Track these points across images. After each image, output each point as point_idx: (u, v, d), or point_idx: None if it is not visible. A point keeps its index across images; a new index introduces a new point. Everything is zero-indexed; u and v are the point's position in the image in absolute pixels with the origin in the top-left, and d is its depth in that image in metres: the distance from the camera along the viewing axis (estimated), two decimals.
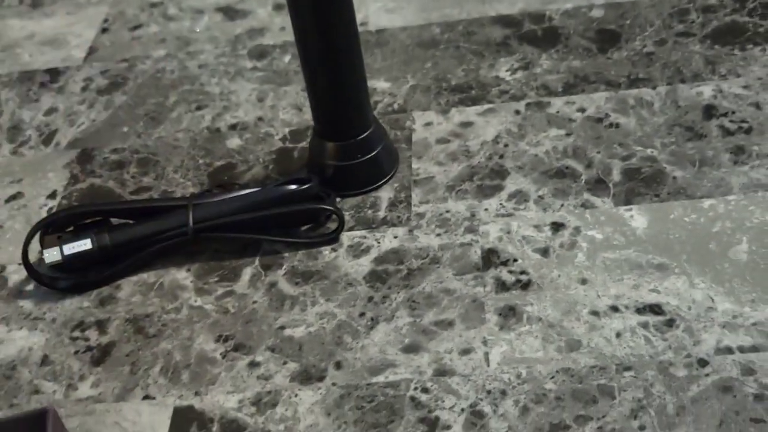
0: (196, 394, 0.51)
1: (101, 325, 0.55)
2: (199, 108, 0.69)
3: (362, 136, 0.59)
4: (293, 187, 0.58)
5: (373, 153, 0.59)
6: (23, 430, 0.46)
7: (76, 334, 0.55)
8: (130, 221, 0.58)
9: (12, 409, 0.52)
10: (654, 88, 0.63)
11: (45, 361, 0.54)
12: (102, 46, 0.77)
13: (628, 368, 0.48)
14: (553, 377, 0.48)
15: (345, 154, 0.59)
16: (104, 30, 0.79)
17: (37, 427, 0.45)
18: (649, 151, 0.59)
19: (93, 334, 0.55)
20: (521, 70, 0.66)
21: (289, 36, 0.74)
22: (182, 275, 0.57)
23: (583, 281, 0.52)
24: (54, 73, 0.76)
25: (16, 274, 0.60)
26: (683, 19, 0.68)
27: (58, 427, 0.46)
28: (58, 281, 0.58)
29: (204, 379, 0.51)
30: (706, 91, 0.62)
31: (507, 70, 0.66)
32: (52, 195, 0.65)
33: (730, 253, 0.52)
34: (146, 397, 0.51)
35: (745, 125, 0.59)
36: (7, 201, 0.65)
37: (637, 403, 0.46)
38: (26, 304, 0.58)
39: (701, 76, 0.63)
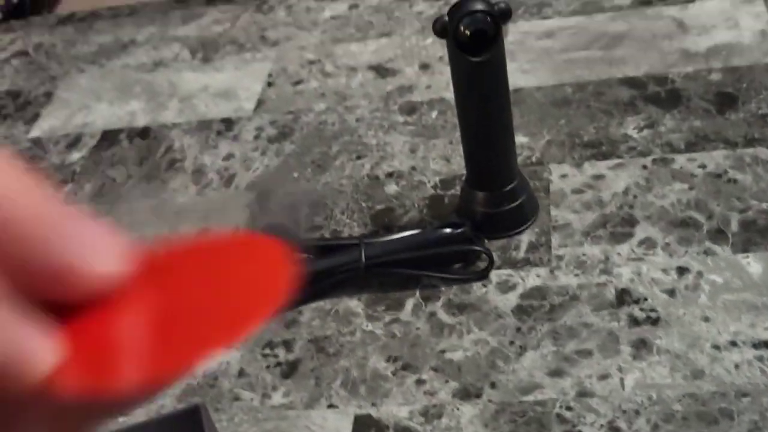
0: (373, 404, 0.60)
1: (288, 345, 0.66)
2: (359, 157, 0.79)
3: (508, 187, 0.68)
4: (449, 230, 0.68)
5: (518, 201, 0.68)
6: (178, 426, 0.52)
7: (267, 351, 0.66)
8: (309, 255, 0.69)
9: (217, 413, 0.62)
10: None
11: (242, 373, 0.65)
12: (269, 99, 0.88)
13: (745, 395, 0.56)
14: (680, 400, 0.56)
15: (493, 202, 0.68)
16: (269, 84, 0.90)
17: (191, 422, 0.51)
18: (764, 205, 0.66)
19: (281, 352, 0.65)
20: (647, 129, 0.74)
21: (435, 93, 0.84)
22: (354, 304, 0.67)
23: (706, 319, 0.60)
24: (228, 123, 0.87)
25: None
26: None
27: (209, 422, 0.52)
28: None
29: (378, 392, 0.61)
30: None
31: (634, 128, 0.75)
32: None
33: None
34: (330, 406, 0.61)
35: None
36: None
37: (754, 424, 0.54)
38: None
39: None
